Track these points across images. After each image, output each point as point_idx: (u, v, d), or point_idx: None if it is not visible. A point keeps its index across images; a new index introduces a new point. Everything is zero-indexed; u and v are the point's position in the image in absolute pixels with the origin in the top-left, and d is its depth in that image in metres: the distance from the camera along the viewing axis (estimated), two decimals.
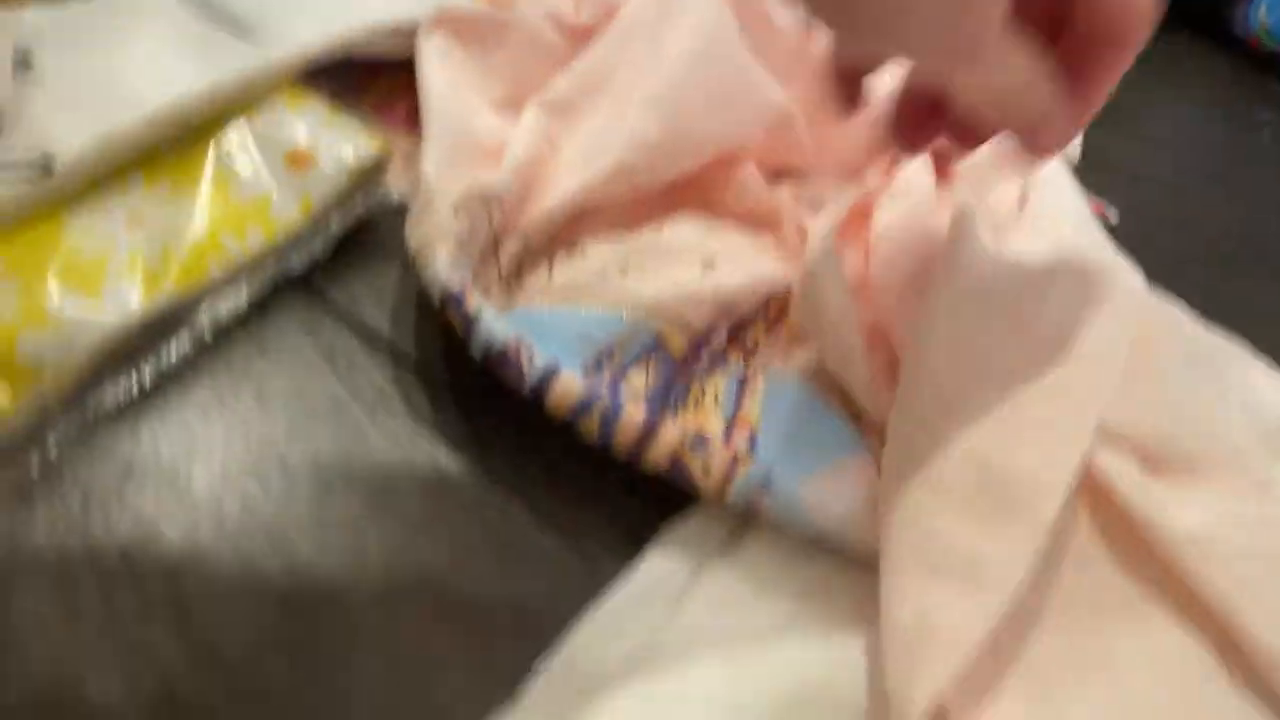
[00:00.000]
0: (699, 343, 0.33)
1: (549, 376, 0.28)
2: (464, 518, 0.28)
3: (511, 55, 0.39)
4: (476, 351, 0.28)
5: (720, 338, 0.33)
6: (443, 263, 0.29)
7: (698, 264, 0.33)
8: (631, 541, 0.28)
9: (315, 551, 0.26)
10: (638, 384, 0.32)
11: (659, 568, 0.27)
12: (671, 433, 0.28)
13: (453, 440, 0.29)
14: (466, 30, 0.38)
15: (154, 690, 0.23)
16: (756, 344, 0.34)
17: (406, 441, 0.29)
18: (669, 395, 0.32)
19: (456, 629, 0.25)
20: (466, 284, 0.29)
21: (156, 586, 0.24)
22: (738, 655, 0.25)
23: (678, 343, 0.33)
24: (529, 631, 0.25)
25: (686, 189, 0.35)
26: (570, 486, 0.29)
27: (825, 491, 0.28)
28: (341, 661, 0.24)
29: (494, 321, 0.28)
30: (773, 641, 0.26)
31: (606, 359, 0.32)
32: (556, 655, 0.25)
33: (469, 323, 0.28)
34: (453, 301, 0.28)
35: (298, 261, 0.31)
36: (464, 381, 0.31)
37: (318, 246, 0.32)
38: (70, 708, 0.22)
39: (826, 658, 0.26)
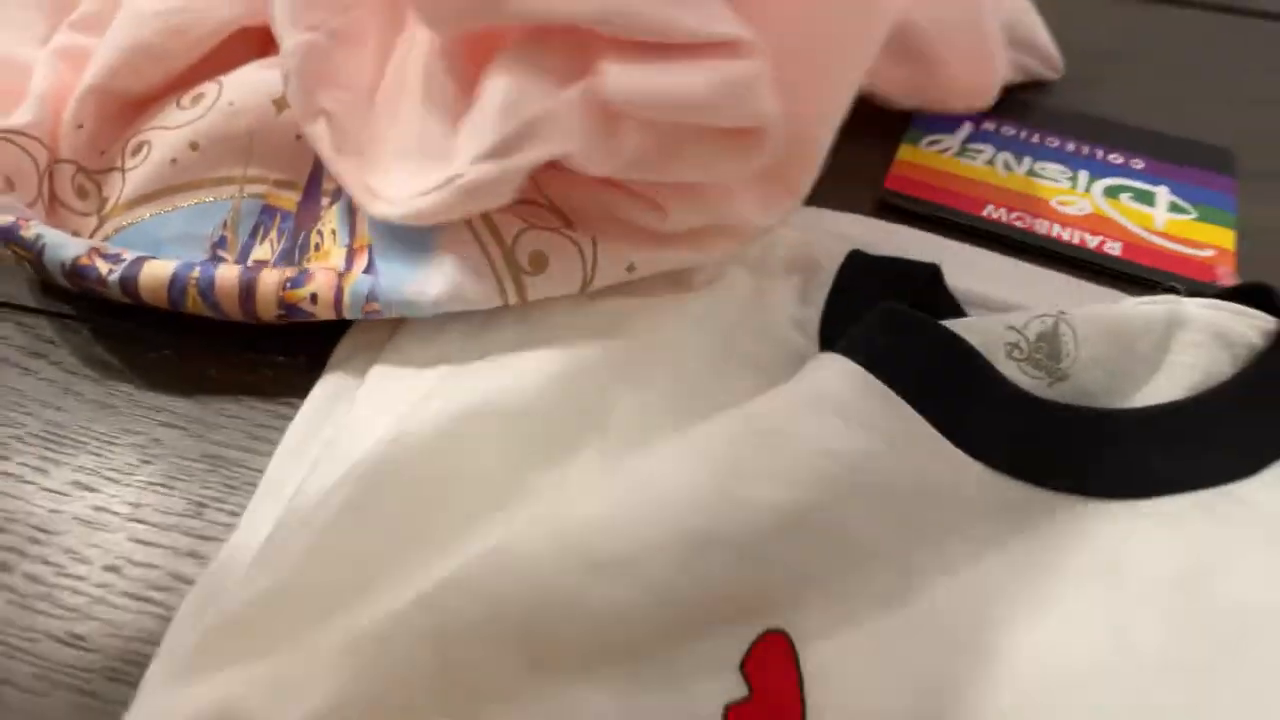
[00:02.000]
0: (310, 187, 0.34)
1: (134, 268, 0.29)
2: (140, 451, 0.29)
3: None
4: (54, 274, 0.29)
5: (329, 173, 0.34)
6: None
7: (270, 107, 0.33)
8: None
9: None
10: (264, 256, 0.33)
11: (330, 385, 0.30)
12: (269, 278, 0.29)
13: (124, 363, 0.31)
14: None
15: None
16: None
17: (88, 380, 0.31)
18: (294, 252, 0.33)
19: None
20: (20, 217, 0.29)
21: None
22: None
23: (287, 198, 0.34)
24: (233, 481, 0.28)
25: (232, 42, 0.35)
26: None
27: (426, 281, 0.29)
28: None
29: (60, 240, 0.29)
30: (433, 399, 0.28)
31: (223, 247, 0.33)
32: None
33: (35, 248, 0.29)
34: (10, 236, 0.29)
35: None
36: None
37: None
38: None
39: (482, 389, 0.28)
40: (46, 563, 0.26)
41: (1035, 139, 0.39)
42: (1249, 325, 0.29)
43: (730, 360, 0.30)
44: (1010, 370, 0.27)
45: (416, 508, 0.25)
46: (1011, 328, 0.27)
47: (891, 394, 0.26)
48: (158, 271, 0.29)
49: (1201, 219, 0.36)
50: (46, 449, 0.29)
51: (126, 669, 0.24)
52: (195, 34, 0.34)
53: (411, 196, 0.28)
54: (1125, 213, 0.36)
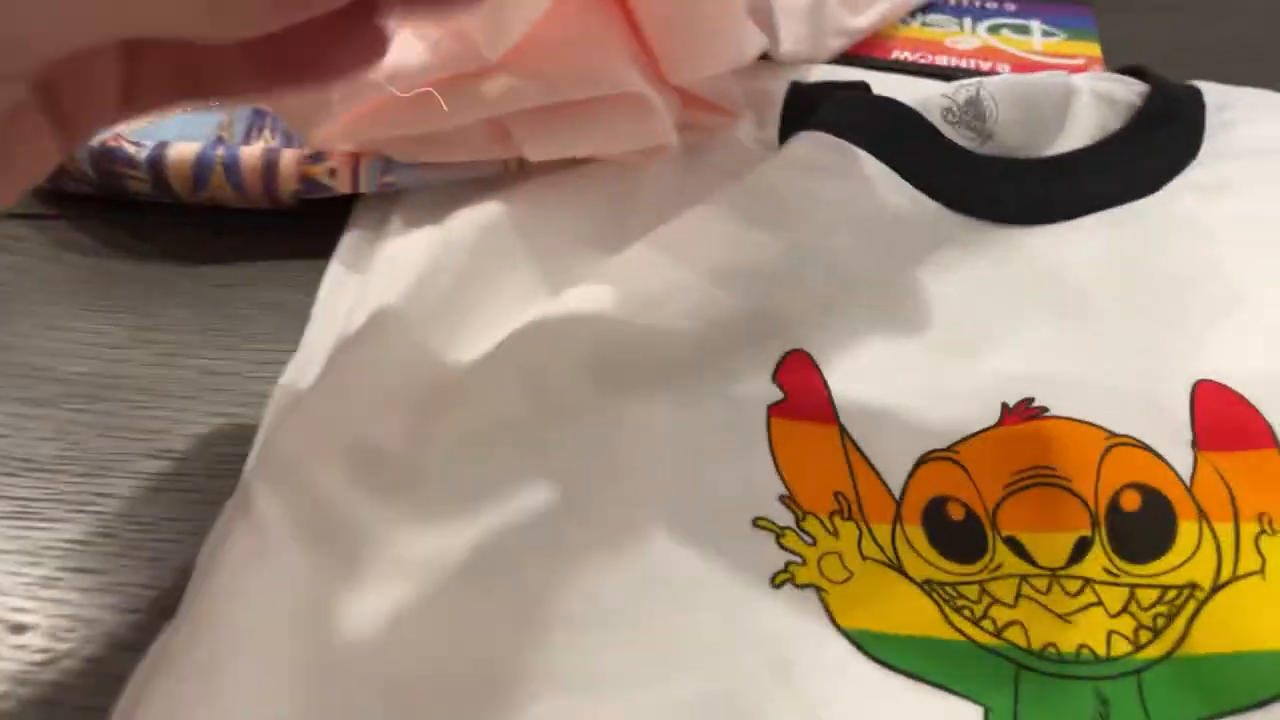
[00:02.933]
0: None
1: (160, 149, 0.31)
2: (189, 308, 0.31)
3: None
4: (82, 161, 0.31)
5: None
6: None
7: None
8: None
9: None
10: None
11: (354, 235, 0.32)
12: (290, 155, 0.32)
13: (154, 246, 0.33)
14: None
15: None
16: None
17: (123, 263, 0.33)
18: (291, 143, 0.35)
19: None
20: None
21: None
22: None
23: None
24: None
25: None
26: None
27: None
28: None
29: None
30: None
31: (220, 145, 0.35)
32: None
33: None
34: None
35: None
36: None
37: None
38: None
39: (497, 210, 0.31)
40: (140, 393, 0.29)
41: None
42: (1128, 89, 0.35)
43: (705, 171, 0.34)
44: (948, 132, 0.32)
45: (470, 291, 0.28)
46: (944, 95, 0.33)
47: (858, 150, 0.30)
48: (185, 151, 0.31)
49: (1070, 38, 0.42)
50: (106, 319, 0.31)
51: (226, 465, 0.27)
52: None
53: None
54: (1008, 42, 0.42)
